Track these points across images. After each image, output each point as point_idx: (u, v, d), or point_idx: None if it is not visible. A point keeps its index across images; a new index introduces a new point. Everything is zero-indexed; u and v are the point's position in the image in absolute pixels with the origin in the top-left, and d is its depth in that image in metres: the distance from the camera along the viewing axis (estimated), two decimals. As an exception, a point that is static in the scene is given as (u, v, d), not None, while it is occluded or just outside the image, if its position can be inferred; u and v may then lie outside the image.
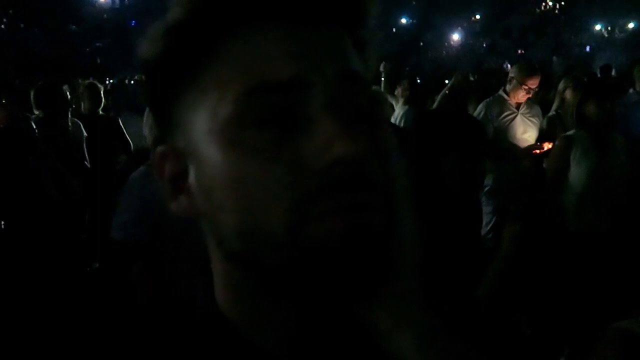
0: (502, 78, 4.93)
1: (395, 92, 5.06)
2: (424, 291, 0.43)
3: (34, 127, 2.79)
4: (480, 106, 3.72)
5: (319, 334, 0.46)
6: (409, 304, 0.43)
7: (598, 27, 12.91)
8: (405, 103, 4.81)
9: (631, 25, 12.05)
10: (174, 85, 0.45)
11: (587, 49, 12.61)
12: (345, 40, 0.45)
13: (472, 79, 6.37)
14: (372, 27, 0.47)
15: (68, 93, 3.58)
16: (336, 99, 0.41)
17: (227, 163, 0.42)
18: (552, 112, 3.84)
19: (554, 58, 10.38)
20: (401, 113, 4.75)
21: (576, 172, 2.98)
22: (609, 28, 12.66)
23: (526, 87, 3.53)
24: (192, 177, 0.45)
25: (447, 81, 7.13)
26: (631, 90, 3.98)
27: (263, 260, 0.42)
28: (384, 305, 0.43)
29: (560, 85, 3.99)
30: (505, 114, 3.58)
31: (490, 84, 5.15)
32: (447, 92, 4.66)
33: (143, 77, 0.47)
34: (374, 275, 0.42)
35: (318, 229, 0.40)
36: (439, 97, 4.73)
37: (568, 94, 3.74)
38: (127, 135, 4.22)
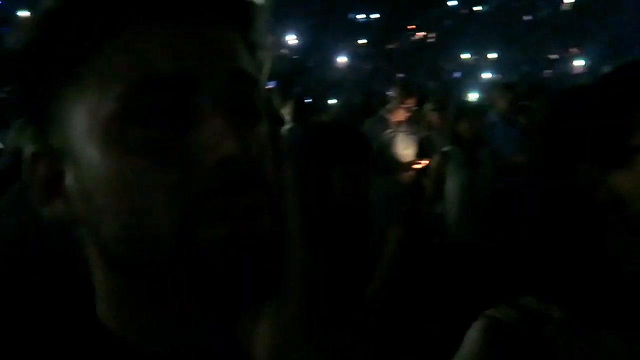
0: (383, 98, 5.21)
1: (283, 110, 5.13)
2: (309, 314, 0.41)
3: None
4: (364, 125, 3.91)
5: (205, 343, 0.44)
6: (292, 332, 0.41)
7: (466, 55, 14.22)
8: (292, 120, 4.91)
9: (493, 55, 13.47)
10: (49, 79, 0.41)
11: (458, 74, 13.82)
12: (235, 41, 0.44)
13: (357, 99, 6.65)
14: (265, 30, 0.47)
15: None
16: (225, 97, 0.40)
17: (109, 163, 0.39)
18: (424, 131, 4.14)
19: (429, 82, 11.24)
20: (288, 130, 4.82)
21: (451, 185, 3.26)
22: (476, 57, 13.99)
23: (405, 107, 3.80)
24: (69, 179, 0.42)
25: (333, 101, 7.39)
26: (491, 112, 4.41)
27: (147, 266, 0.40)
28: (267, 328, 0.41)
29: (426, 107, 4.31)
30: (387, 131, 3.80)
31: (373, 104, 5.42)
32: (334, 110, 4.83)
33: (10, 70, 0.43)
34: (260, 285, 0.40)
35: (206, 231, 0.38)
36: (325, 116, 4.88)
37: (433, 115, 4.08)
38: None
